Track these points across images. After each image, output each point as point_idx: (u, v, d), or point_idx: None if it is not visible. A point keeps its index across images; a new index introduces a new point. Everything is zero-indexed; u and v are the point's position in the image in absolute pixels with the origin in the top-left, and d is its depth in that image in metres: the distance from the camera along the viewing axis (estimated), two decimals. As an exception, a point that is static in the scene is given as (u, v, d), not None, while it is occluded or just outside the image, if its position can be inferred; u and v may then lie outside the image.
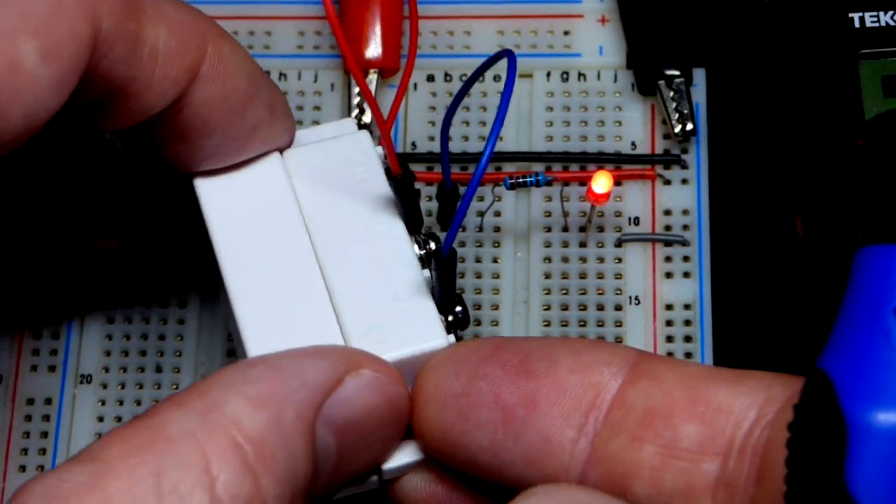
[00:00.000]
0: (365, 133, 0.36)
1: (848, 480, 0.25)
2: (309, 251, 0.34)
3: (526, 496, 0.27)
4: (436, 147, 0.43)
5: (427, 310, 0.33)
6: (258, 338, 0.33)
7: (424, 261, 0.34)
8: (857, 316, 0.26)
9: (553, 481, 0.30)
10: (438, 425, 0.32)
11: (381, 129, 0.33)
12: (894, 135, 0.28)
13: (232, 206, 0.35)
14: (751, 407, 0.28)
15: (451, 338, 0.33)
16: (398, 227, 0.35)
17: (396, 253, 0.34)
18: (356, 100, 0.43)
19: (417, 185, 0.42)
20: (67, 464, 0.28)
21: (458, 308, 0.34)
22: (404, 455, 0.33)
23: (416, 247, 0.35)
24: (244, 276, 0.34)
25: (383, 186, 0.35)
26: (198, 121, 0.33)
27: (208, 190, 0.35)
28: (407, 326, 0.33)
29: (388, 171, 0.34)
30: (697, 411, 0.29)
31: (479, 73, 0.33)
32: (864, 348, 0.26)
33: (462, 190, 0.42)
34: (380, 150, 0.36)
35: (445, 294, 0.34)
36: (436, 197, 0.41)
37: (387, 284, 0.34)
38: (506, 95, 0.31)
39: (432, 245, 0.35)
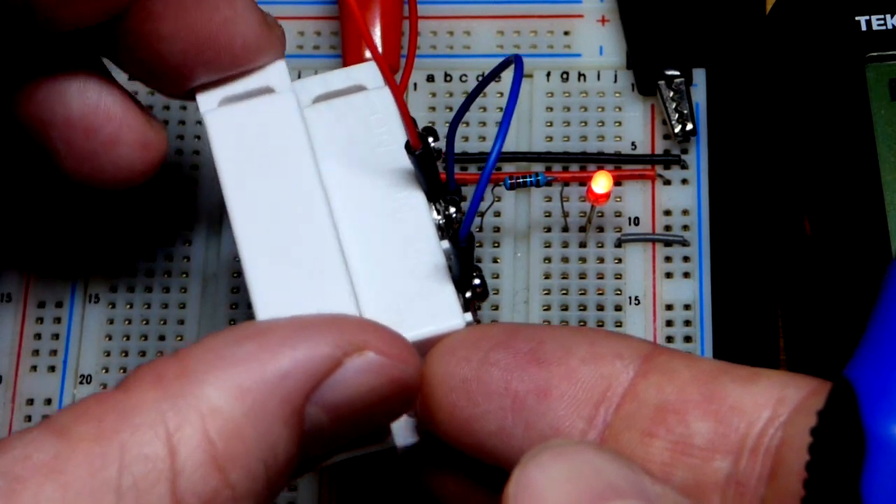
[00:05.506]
0: (386, 91, 0.35)
1: (863, 491, 0.25)
2: (327, 216, 0.33)
3: (535, 453, 0.26)
4: (436, 147, 0.42)
5: (445, 287, 0.33)
6: (267, 296, 0.32)
7: (443, 229, 0.34)
8: (887, 328, 0.26)
9: None
10: (447, 409, 0.31)
11: (399, 103, 0.32)
12: None
13: (245, 153, 0.34)
14: (765, 406, 0.28)
15: (469, 317, 0.32)
16: (418, 197, 0.34)
17: (416, 225, 0.33)
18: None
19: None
20: (35, 433, 0.27)
21: (477, 281, 0.33)
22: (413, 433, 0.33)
23: (434, 213, 0.34)
24: (255, 232, 0.33)
25: (402, 152, 0.34)
26: (152, 23, 0.33)
27: (220, 131, 0.34)
28: (424, 305, 0.32)
29: (407, 145, 0.33)
30: (711, 409, 0.29)
31: (487, 80, 0.33)
32: (891, 361, 0.26)
33: (464, 192, 0.42)
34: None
35: (464, 272, 0.33)
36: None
37: (405, 258, 0.33)
38: (511, 101, 0.31)
39: (452, 211, 0.34)
